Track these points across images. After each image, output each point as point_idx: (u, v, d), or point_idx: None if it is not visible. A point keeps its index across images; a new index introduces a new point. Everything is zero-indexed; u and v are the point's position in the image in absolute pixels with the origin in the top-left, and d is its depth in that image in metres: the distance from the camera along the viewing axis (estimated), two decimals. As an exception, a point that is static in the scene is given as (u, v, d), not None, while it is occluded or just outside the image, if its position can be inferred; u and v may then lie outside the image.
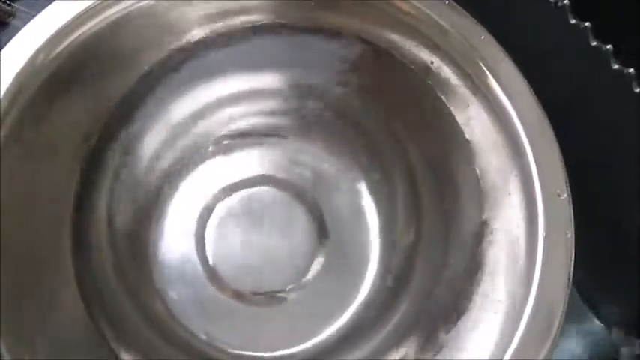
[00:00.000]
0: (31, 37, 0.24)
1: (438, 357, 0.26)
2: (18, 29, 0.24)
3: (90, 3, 0.24)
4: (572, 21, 0.26)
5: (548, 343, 0.23)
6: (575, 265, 0.32)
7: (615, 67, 0.25)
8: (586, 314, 0.33)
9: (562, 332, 0.31)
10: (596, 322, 0.33)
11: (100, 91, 0.27)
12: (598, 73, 0.26)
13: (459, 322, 0.26)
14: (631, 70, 0.25)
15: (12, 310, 0.23)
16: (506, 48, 0.26)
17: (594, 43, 0.26)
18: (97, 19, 0.25)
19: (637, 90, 0.25)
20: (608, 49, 0.26)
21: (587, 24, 0.26)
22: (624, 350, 0.32)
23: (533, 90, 0.26)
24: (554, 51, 0.28)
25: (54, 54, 0.24)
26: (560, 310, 0.23)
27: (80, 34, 0.25)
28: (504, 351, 0.23)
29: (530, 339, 0.23)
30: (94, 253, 0.27)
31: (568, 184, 0.24)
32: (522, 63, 0.27)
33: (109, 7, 0.25)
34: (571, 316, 0.32)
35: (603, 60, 0.26)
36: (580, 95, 0.28)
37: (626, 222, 0.29)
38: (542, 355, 0.22)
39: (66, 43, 0.24)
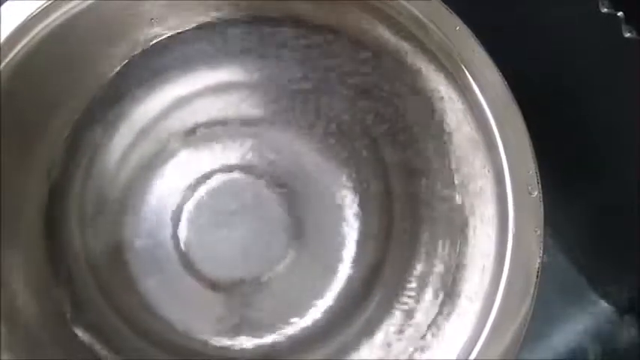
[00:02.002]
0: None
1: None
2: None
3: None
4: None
5: (514, 340, 0.23)
6: (583, 248, 0.32)
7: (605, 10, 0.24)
8: (592, 297, 0.33)
9: (570, 316, 0.32)
10: (605, 305, 0.33)
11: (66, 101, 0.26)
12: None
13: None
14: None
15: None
16: (512, 19, 0.25)
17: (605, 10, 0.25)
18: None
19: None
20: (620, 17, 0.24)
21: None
22: (632, 334, 0.32)
23: (539, 62, 0.25)
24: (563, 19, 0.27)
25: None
26: (526, 307, 0.23)
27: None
28: (471, 348, 0.23)
29: (496, 337, 0.23)
30: (69, 254, 0.27)
31: (539, 181, 0.24)
32: (523, 32, 0.27)
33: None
34: (579, 301, 0.33)
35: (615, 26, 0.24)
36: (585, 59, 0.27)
37: (635, 205, 0.28)
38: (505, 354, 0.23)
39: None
